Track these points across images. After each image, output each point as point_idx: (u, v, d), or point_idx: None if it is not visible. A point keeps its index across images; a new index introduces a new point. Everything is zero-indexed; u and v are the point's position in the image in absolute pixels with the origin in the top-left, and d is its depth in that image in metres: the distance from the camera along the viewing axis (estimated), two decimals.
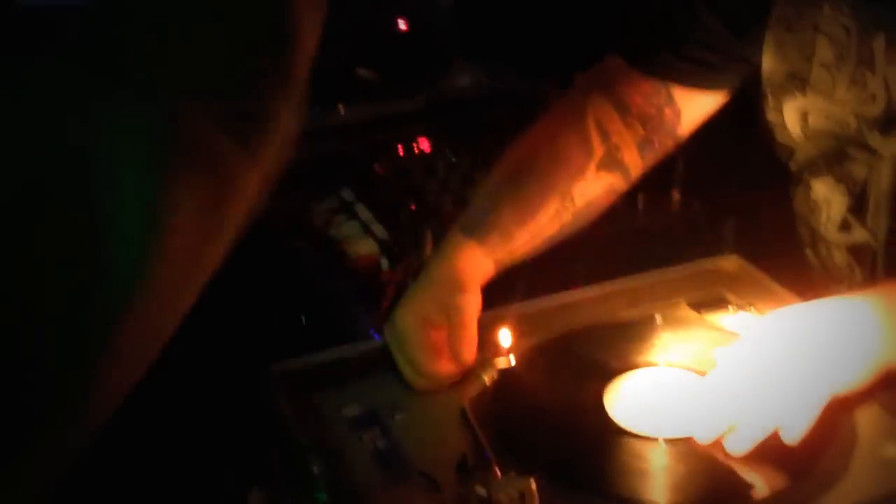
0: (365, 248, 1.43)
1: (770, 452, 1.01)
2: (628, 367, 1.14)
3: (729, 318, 1.26)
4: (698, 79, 1.28)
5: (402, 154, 1.61)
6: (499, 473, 0.91)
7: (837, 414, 1.02)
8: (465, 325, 1.12)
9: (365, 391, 1.14)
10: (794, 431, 0.97)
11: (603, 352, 1.17)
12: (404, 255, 1.37)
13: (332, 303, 1.42)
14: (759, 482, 0.97)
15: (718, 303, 1.30)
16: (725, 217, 1.50)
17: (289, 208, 1.55)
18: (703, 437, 1.00)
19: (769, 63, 1.25)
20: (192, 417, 1.50)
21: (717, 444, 1.01)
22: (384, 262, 1.39)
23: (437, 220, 1.41)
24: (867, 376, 1.03)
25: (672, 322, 1.25)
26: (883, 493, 0.93)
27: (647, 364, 1.15)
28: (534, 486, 0.89)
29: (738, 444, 0.98)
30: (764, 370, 1.01)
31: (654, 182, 1.55)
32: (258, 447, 1.13)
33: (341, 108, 1.85)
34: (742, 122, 1.39)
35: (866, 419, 1.05)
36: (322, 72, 0.67)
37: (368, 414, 1.10)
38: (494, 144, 1.63)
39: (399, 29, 2.05)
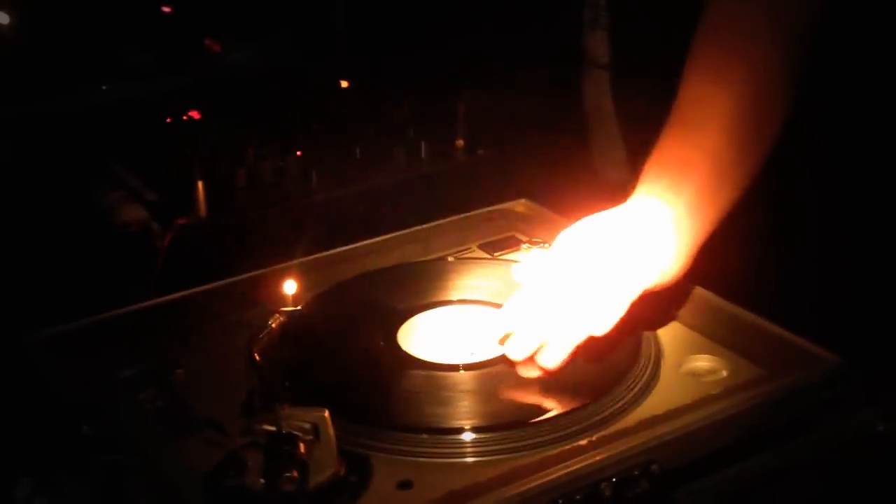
0: (133, 213, 1.33)
1: (574, 371, 0.98)
2: (421, 307, 1.09)
3: (522, 256, 1.22)
4: None
5: (169, 121, 1.52)
6: (288, 408, 0.83)
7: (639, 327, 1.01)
8: None
9: (140, 353, 1.05)
10: (602, 328, 0.95)
11: (394, 293, 1.11)
12: (176, 216, 1.28)
13: (101, 272, 1.32)
14: (565, 398, 0.93)
15: (510, 243, 1.26)
16: (511, 163, 1.47)
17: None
18: (517, 356, 0.96)
19: None
20: None
21: (518, 364, 0.98)
22: (155, 226, 1.30)
23: (209, 178, 1.32)
24: (674, 268, 1.00)
25: (464, 263, 1.20)
26: (690, 402, 0.91)
27: (441, 303, 1.11)
28: (327, 416, 0.82)
29: (552, 358, 0.95)
30: (564, 282, 0.97)
31: (437, 131, 1.51)
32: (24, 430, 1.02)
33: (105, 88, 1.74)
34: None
35: (670, 335, 1.04)
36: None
37: (145, 373, 1.01)
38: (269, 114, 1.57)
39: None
